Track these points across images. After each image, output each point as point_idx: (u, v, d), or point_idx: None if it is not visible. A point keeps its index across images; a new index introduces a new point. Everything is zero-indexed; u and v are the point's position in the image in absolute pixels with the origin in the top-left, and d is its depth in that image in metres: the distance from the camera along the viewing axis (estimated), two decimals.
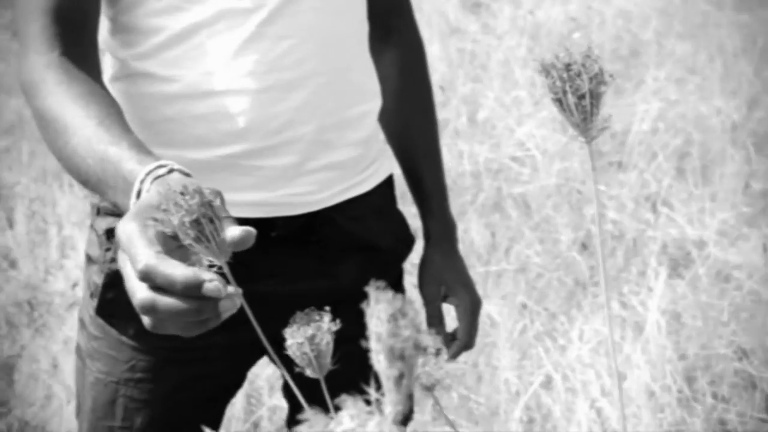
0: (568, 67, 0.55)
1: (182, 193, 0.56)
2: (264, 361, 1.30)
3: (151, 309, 0.60)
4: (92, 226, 1.10)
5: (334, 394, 0.59)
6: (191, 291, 0.59)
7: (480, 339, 2.29)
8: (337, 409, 0.49)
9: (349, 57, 1.07)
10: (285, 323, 0.60)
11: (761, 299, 2.42)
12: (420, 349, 0.42)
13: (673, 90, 3.50)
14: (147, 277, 0.60)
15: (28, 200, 2.80)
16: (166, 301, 0.60)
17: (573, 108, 0.56)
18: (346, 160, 1.08)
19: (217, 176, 1.03)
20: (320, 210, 1.08)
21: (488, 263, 2.61)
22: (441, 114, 3.32)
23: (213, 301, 0.60)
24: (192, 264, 0.59)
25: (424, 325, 0.43)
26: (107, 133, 0.78)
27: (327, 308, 0.61)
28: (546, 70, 0.55)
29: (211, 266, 0.59)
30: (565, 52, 0.55)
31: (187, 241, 0.57)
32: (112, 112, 0.82)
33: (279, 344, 0.62)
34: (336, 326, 0.59)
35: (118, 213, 0.97)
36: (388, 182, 1.18)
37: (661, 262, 2.52)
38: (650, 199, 2.88)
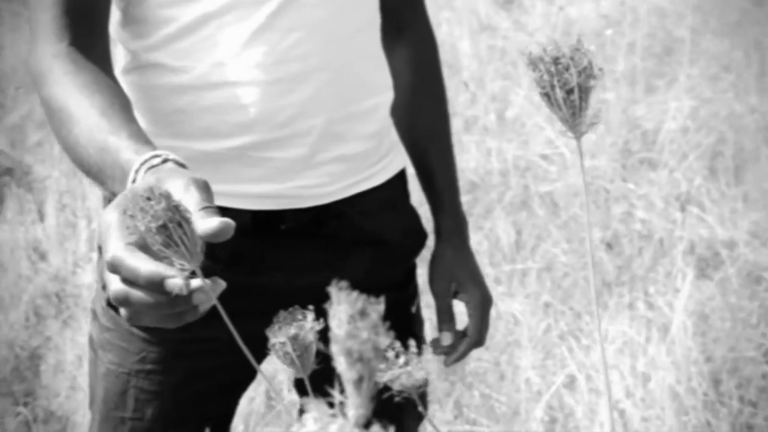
0: (556, 60, 0.54)
1: (148, 198, 0.56)
2: None
3: (124, 300, 0.61)
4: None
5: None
6: (154, 286, 0.59)
7: (503, 338, 2.27)
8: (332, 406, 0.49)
9: (359, 50, 1.07)
10: None
11: None
12: (379, 351, 0.41)
13: (706, 87, 3.45)
14: (114, 269, 0.60)
15: (58, 194, 2.84)
16: (139, 293, 0.60)
17: (561, 103, 0.54)
18: (356, 153, 1.08)
19: (226, 167, 1.03)
20: (330, 203, 1.07)
21: (514, 261, 2.59)
22: (469, 111, 3.31)
23: (184, 294, 0.59)
24: (170, 263, 0.59)
25: (382, 328, 0.42)
26: (108, 123, 0.78)
27: (311, 307, 0.60)
28: (533, 63, 0.54)
29: (183, 269, 0.59)
30: (554, 45, 0.54)
31: (155, 247, 0.57)
32: (116, 102, 0.83)
33: None
34: (319, 325, 0.59)
35: None
36: (401, 176, 1.18)
37: (688, 263, 2.49)
38: (680, 198, 2.85)
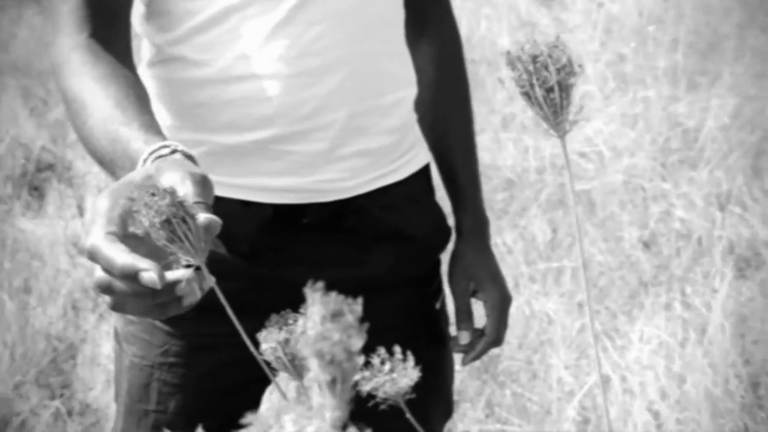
0: (534, 58, 0.53)
1: (153, 194, 0.56)
2: None
3: (107, 289, 0.61)
4: None
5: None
6: (129, 278, 0.59)
7: (536, 336, 2.25)
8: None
9: (381, 44, 1.06)
10: None
11: None
12: (351, 354, 0.40)
13: (751, 85, 3.38)
14: (92, 257, 0.60)
15: (98, 189, 2.88)
16: (120, 282, 0.60)
17: (542, 101, 0.53)
18: (378, 147, 1.07)
19: (247, 161, 1.03)
20: (352, 197, 1.07)
21: (549, 260, 2.57)
22: (507, 108, 3.28)
23: (168, 285, 0.59)
24: (168, 263, 0.59)
25: (357, 330, 0.41)
26: (122, 114, 0.79)
27: (302, 311, 0.60)
28: (511, 62, 0.53)
29: (188, 266, 0.59)
30: (531, 43, 0.53)
31: (160, 242, 0.57)
32: (131, 93, 0.83)
33: None
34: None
35: None
36: (425, 172, 1.17)
37: (727, 263, 2.44)
38: (720, 197, 2.80)
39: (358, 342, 0.41)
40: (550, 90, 0.54)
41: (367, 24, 1.03)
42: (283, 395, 0.60)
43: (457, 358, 1.24)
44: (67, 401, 2.14)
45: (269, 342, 0.58)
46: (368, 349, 0.53)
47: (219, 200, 1.11)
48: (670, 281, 2.43)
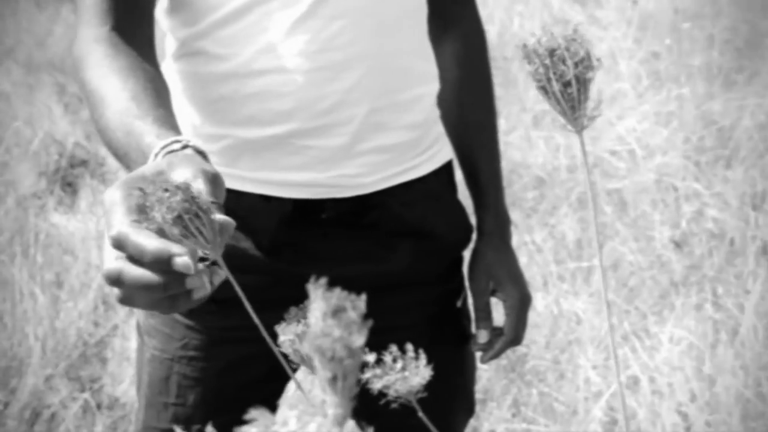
0: (551, 52, 0.52)
1: (165, 190, 0.55)
2: None
3: (116, 280, 0.59)
4: None
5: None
6: (160, 264, 0.57)
7: (564, 336, 2.23)
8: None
9: (403, 39, 1.06)
10: None
11: None
12: (353, 351, 0.40)
13: None
14: (118, 244, 0.58)
15: None
16: (133, 273, 0.59)
17: (559, 96, 0.52)
18: (398, 143, 1.07)
19: (267, 155, 1.03)
20: (371, 193, 1.07)
21: (579, 259, 2.54)
22: (539, 106, 3.26)
23: (179, 277, 0.58)
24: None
25: (359, 326, 0.40)
26: (137, 107, 0.78)
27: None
28: (528, 56, 0.52)
29: (202, 259, 0.58)
30: (549, 36, 0.51)
31: (174, 238, 0.56)
32: (149, 87, 0.82)
33: None
34: None
35: None
36: (446, 169, 1.16)
37: (760, 264, 2.40)
38: (755, 197, 2.75)
39: (359, 339, 0.40)
40: (568, 84, 0.53)
41: (388, 19, 1.03)
42: (300, 388, 0.59)
43: (477, 356, 1.24)
44: (97, 394, 2.17)
45: (287, 334, 0.57)
46: (387, 348, 0.53)
47: (240, 195, 1.12)
48: (701, 282, 2.40)
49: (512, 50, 3.66)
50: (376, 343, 0.47)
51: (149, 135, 0.73)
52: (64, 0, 4.16)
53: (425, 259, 1.13)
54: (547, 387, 2.12)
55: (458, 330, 1.21)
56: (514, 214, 2.71)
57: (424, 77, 1.11)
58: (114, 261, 0.60)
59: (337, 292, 0.41)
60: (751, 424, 1.99)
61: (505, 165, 2.92)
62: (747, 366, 2.09)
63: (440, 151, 1.14)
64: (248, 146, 1.04)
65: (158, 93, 0.83)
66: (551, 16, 3.94)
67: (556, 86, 0.52)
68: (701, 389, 2.05)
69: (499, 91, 3.35)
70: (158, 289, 0.59)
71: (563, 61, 0.51)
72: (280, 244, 1.07)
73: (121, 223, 0.59)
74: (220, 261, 0.58)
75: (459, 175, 1.21)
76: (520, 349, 2.21)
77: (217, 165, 0.90)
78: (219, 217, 0.58)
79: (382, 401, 0.58)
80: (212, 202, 0.59)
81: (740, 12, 3.91)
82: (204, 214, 0.56)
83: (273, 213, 1.06)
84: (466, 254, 1.21)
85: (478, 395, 2.11)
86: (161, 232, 0.57)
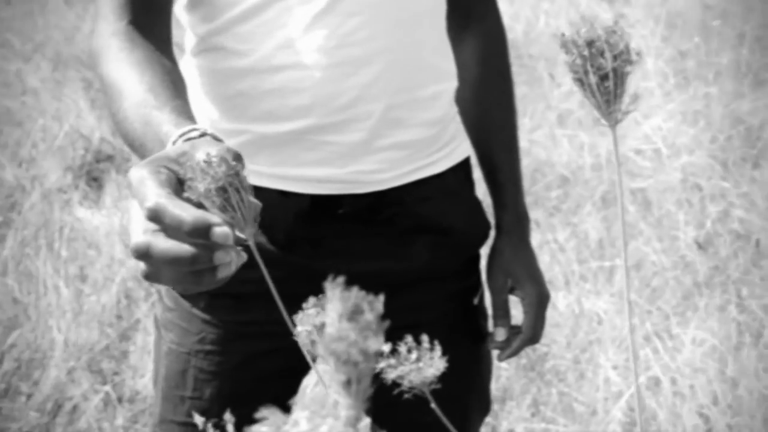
0: (590, 43, 0.50)
1: (208, 162, 0.54)
2: None
3: (145, 254, 0.58)
4: None
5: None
6: (199, 233, 0.56)
7: (585, 336, 2.22)
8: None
9: (422, 36, 1.05)
10: None
11: None
12: (368, 355, 0.39)
13: None
14: (155, 215, 0.58)
15: None
16: (162, 245, 0.58)
17: (595, 89, 0.50)
18: (416, 139, 1.06)
19: (285, 150, 1.04)
20: (389, 189, 1.06)
21: (602, 258, 2.52)
22: (564, 104, 3.23)
23: (208, 252, 0.58)
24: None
25: (376, 329, 0.39)
26: (155, 99, 0.79)
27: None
28: (566, 46, 0.50)
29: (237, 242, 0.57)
30: (589, 27, 0.50)
31: (213, 210, 0.55)
32: (166, 79, 0.83)
33: None
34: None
35: None
36: (464, 165, 1.16)
37: None
38: None
39: (375, 343, 0.39)
40: (605, 77, 0.51)
41: (407, 16, 1.03)
42: (322, 381, 0.59)
43: (493, 354, 1.23)
44: (118, 388, 2.18)
45: (305, 325, 0.57)
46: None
47: (257, 190, 1.12)
48: (725, 283, 2.37)
49: (538, 48, 3.64)
50: (392, 340, 0.47)
51: (167, 124, 0.73)
52: None
53: (442, 256, 1.13)
54: (567, 387, 2.11)
55: (474, 327, 1.20)
56: (537, 213, 2.70)
57: (442, 74, 1.10)
58: (142, 234, 0.59)
59: (355, 292, 0.41)
60: None
61: (530, 163, 2.90)
62: None
63: (458, 148, 1.14)
64: (266, 142, 1.04)
65: (175, 85, 0.84)
66: (578, 14, 3.91)
67: (593, 79, 0.50)
68: (723, 391, 2.02)
69: (524, 89, 3.34)
70: (186, 263, 0.58)
71: (602, 54, 0.50)
72: (297, 239, 1.07)
73: (158, 195, 0.58)
74: (252, 239, 0.58)
75: (477, 173, 1.21)
76: (541, 349, 2.20)
77: None
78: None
79: (396, 391, 0.58)
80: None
81: None
82: (243, 191, 0.55)
83: (290, 208, 1.06)
84: (484, 252, 1.21)
85: (498, 394, 2.10)
86: (198, 205, 0.57)
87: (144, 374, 2.21)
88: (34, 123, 3.22)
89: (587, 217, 2.69)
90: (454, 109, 1.14)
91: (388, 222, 1.08)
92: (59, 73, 3.58)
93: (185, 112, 0.77)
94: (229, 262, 0.59)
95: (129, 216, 0.61)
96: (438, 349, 0.56)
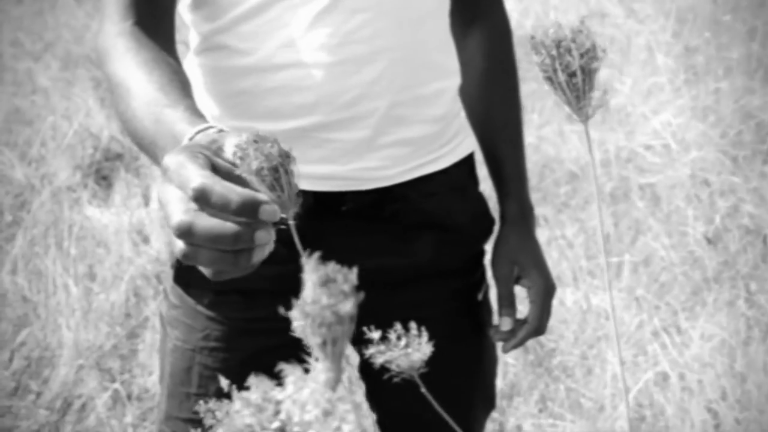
0: (558, 43, 0.53)
1: (257, 142, 0.56)
2: None
3: (187, 232, 0.58)
4: None
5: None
6: (247, 210, 0.57)
7: (593, 332, 2.21)
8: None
9: (425, 33, 1.06)
10: None
11: None
12: (340, 317, 0.41)
13: None
14: (202, 194, 0.58)
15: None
16: (205, 223, 0.58)
17: (564, 86, 0.53)
18: (420, 136, 1.07)
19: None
20: (392, 186, 1.07)
21: (610, 254, 2.52)
22: None
23: (250, 231, 0.58)
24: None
25: (349, 296, 0.42)
26: (166, 98, 0.79)
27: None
28: (536, 47, 0.53)
29: (275, 223, 0.58)
30: (556, 28, 0.52)
31: (261, 188, 0.57)
32: (174, 78, 0.83)
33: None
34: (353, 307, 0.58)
35: None
36: (467, 161, 1.16)
37: None
38: None
39: (347, 305, 0.42)
40: (573, 75, 0.54)
41: (410, 13, 1.03)
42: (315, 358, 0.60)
43: (498, 347, 1.23)
44: (127, 385, 2.19)
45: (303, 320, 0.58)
46: None
47: None
48: (734, 278, 2.36)
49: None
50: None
51: (181, 122, 0.74)
52: None
53: (446, 252, 1.13)
54: (574, 383, 2.10)
55: (479, 323, 1.20)
56: (546, 209, 2.69)
57: (445, 71, 1.11)
58: (184, 213, 0.59)
59: (331, 265, 0.44)
60: None
61: (538, 159, 2.90)
62: None
63: (461, 144, 1.14)
64: None
65: (183, 85, 0.84)
66: (588, 9, 3.90)
67: (562, 76, 0.53)
68: (732, 386, 2.01)
69: (532, 85, 3.32)
70: (228, 241, 0.58)
71: (569, 52, 0.52)
72: (301, 236, 1.07)
73: (203, 176, 0.59)
74: (292, 223, 0.59)
75: (483, 172, 1.21)
76: (548, 344, 2.20)
77: None
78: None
79: (385, 376, 0.59)
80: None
81: None
82: (290, 174, 0.57)
83: None
84: (488, 247, 1.21)
85: (505, 390, 2.10)
86: (244, 184, 0.58)
87: (153, 372, 2.22)
88: (43, 122, 3.24)
89: (595, 212, 2.68)
90: (457, 106, 1.14)
91: (392, 218, 1.09)
92: (69, 72, 3.60)
93: (198, 112, 0.78)
94: (268, 242, 0.60)
95: (163, 200, 0.61)
96: (425, 335, 0.58)
